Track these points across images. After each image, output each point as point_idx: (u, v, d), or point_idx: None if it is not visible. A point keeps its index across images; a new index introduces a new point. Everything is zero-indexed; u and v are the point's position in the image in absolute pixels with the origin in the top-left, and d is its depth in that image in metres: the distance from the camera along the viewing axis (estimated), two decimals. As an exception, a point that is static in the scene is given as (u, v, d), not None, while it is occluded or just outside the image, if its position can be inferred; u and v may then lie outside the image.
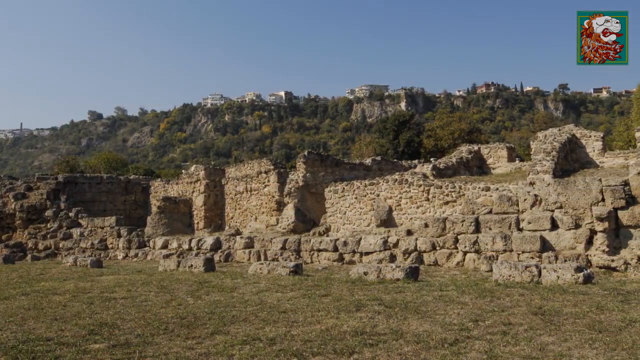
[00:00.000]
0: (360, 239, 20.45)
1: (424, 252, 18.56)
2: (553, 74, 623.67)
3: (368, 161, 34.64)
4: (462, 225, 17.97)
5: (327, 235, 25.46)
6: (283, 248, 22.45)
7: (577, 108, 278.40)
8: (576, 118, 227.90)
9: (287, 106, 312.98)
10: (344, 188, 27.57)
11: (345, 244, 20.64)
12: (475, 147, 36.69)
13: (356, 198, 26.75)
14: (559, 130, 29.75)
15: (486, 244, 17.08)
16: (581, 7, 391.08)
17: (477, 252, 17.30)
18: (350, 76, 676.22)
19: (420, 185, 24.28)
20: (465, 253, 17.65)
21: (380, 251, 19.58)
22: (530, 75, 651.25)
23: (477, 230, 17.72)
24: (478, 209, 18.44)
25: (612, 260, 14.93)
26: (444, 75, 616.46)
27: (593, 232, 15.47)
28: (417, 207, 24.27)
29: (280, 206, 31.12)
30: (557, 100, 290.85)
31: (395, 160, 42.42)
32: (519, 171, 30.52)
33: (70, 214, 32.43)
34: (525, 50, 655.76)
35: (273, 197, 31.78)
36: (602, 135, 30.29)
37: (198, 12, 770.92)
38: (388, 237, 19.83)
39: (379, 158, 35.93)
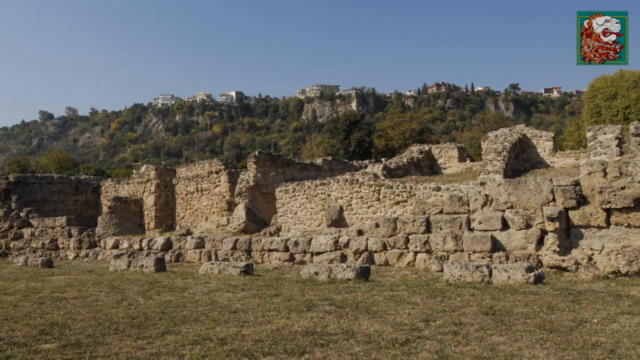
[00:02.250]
0: (311, 239, 20.43)
1: (375, 252, 18.59)
2: (504, 74, 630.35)
3: (319, 161, 34.75)
4: (413, 225, 18.02)
5: (278, 235, 25.46)
6: (234, 248, 22.36)
7: (528, 108, 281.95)
8: (527, 118, 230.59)
9: (238, 106, 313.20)
10: (294, 188, 27.57)
11: (296, 244, 20.61)
12: (426, 147, 36.93)
13: (307, 198, 26.76)
14: (510, 130, 30.03)
15: (437, 244, 17.15)
16: (581, 7, 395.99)
17: (428, 252, 17.35)
18: (301, 76, 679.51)
19: (371, 185, 24.38)
20: (416, 253, 17.70)
21: (331, 251, 19.58)
22: (481, 75, 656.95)
23: (428, 230, 17.78)
24: (429, 209, 18.51)
25: (563, 260, 15.07)
26: (394, 76, 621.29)
27: (544, 232, 15.61)
28: (368, 207, 24.37)
29: (231, 206, 31.07)
30: (507, 100, 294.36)
31: (346, 160, 42.62)
32: (470, 171, 30.81)
33: (21, 214, 31.97)
34: (476, 51, 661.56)
35: (224, 197, 31.72)
36: (552, 136, 30.71)
37: (148, 12, 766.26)
38: (339, 237, 19.84)
39: (330, 158, 36.12)
